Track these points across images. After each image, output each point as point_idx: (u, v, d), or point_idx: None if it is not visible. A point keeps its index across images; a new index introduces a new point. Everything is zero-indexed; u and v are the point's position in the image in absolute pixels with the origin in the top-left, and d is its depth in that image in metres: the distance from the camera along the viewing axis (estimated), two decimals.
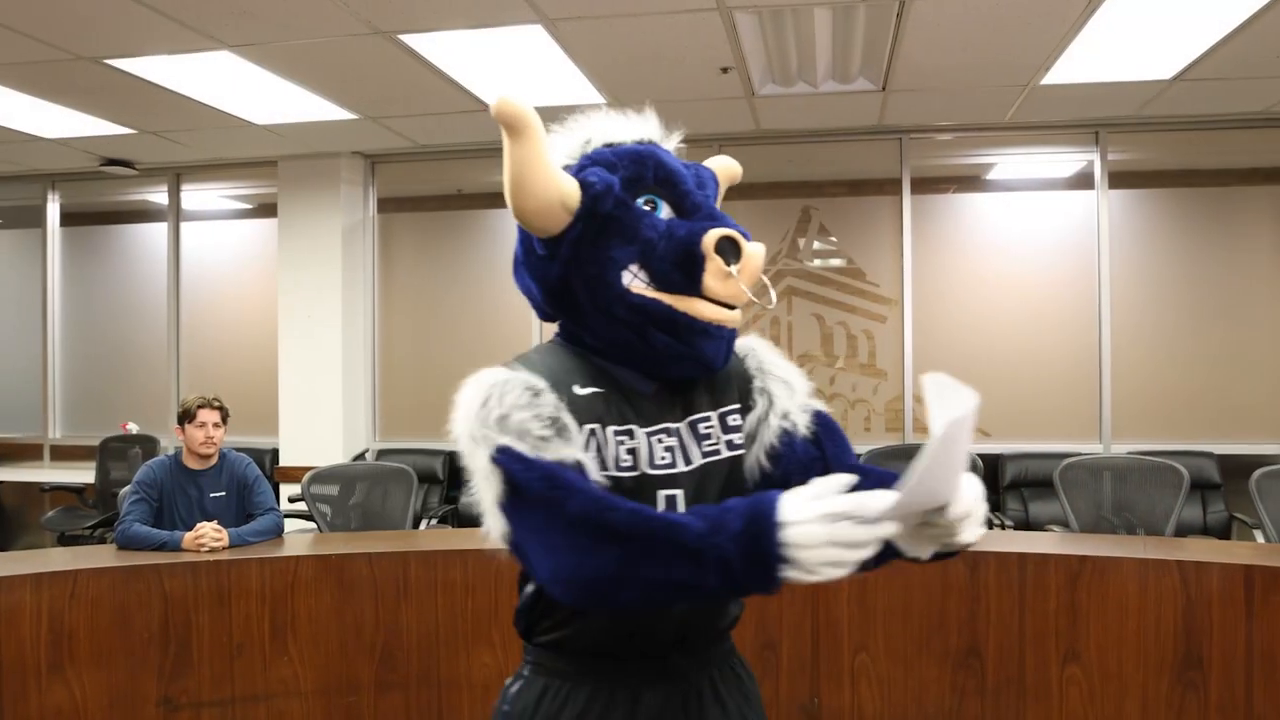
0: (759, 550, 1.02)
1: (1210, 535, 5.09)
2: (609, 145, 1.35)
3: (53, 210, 7.01)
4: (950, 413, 0.97)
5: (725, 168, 1.48)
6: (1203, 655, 2.83)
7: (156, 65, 4.30)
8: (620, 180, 1.28)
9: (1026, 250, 5.78)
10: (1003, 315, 5.77)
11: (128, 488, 3.59)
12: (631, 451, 1.27)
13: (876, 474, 1.23)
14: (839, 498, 1.01)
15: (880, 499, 1.00)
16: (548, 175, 1.23)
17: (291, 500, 5.25)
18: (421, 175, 6.60)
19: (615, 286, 1.27)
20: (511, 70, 4.44)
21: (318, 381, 6.15)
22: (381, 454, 6.19)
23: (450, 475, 6.11)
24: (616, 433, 1.27)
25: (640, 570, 1.08)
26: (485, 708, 3.21)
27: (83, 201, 7.11)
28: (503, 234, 6.34)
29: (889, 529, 1.02)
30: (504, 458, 1.16)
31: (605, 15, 3.74)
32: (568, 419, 1.21)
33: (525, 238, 1.34)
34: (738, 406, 1.39)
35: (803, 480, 1.08)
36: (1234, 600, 2.82)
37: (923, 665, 3.04)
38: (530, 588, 1.36)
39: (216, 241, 6.88)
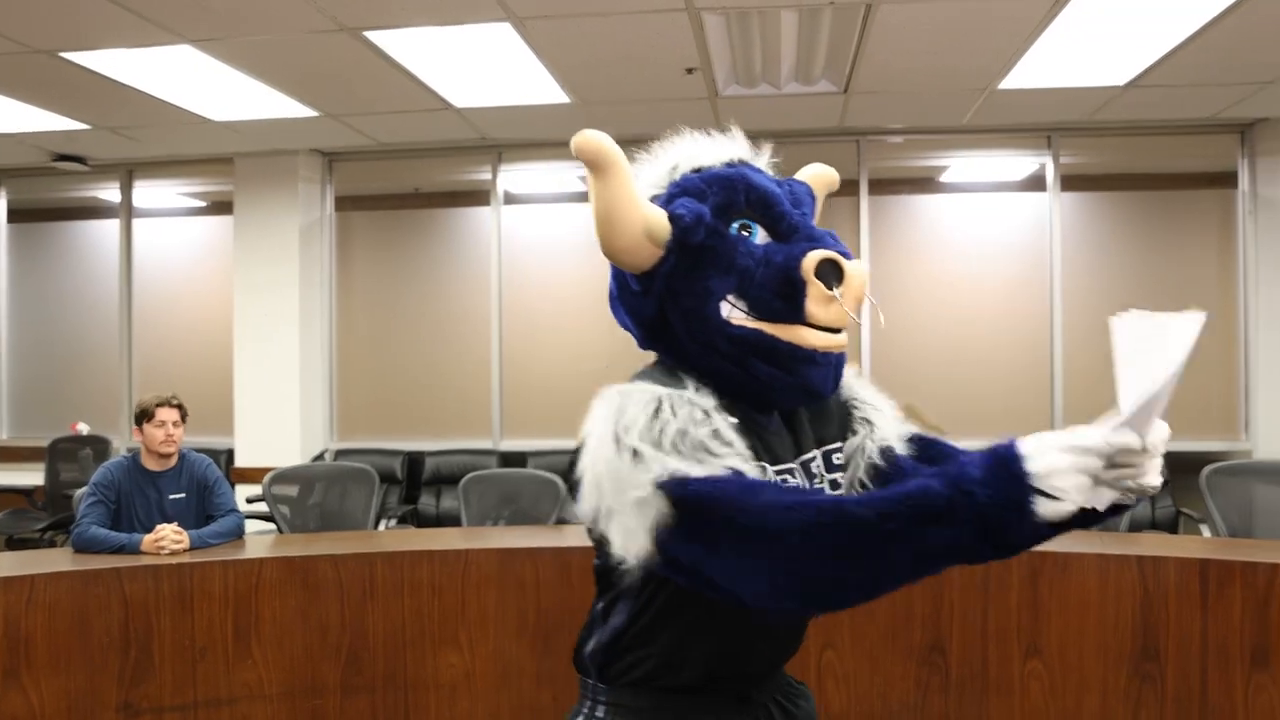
0: (1008, 488, 0.96)
1: (1159, 530, 5.21)
2: (697, 170, 1.28)
3: None
4: (1169, 345, 1.00)
5: (819, 176, 1.42)
6: (1159, 648, 2.89)
7: (114, 59, 4.22)
8: (711, 207, 1.22)
9: (981, 251, 5.88)
10: (957, 315, 5.86)
11: (84, 489, 3.51)
12: None
13: None
14: (1075, 432, 0.98)
15: (1113, 431, 0.97)
16: (635, 211, 1.18)
17: (249, 501, 5.18)
18: (379, 173, 6.53)
19: (714, 319, 1.21)
20: (478, 68, 4.42)
21: (275, 381, 6.06)
22: (340, 454, 6.12)
23: (409, 475, 6.06)
24: (757, 468, 1.19)
25: (893, 553, 1.01)
26: (452, 709, 3.21)
27: (31, 197, 6.95)
28: (459, 234, 6.32)
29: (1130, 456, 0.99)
30: (685, 487, 1.06)
31: (575, 14, 3.74)
32: (739, 442, 1.14)
33: (619, 273, 1.29)
34: (840, 445, 1.36)
35: None
36: (1189, 594, 2.88)
37: (888, 661, 3.07)
38: (619, 620, 1.29)
39: (170, 239, 6.77)
